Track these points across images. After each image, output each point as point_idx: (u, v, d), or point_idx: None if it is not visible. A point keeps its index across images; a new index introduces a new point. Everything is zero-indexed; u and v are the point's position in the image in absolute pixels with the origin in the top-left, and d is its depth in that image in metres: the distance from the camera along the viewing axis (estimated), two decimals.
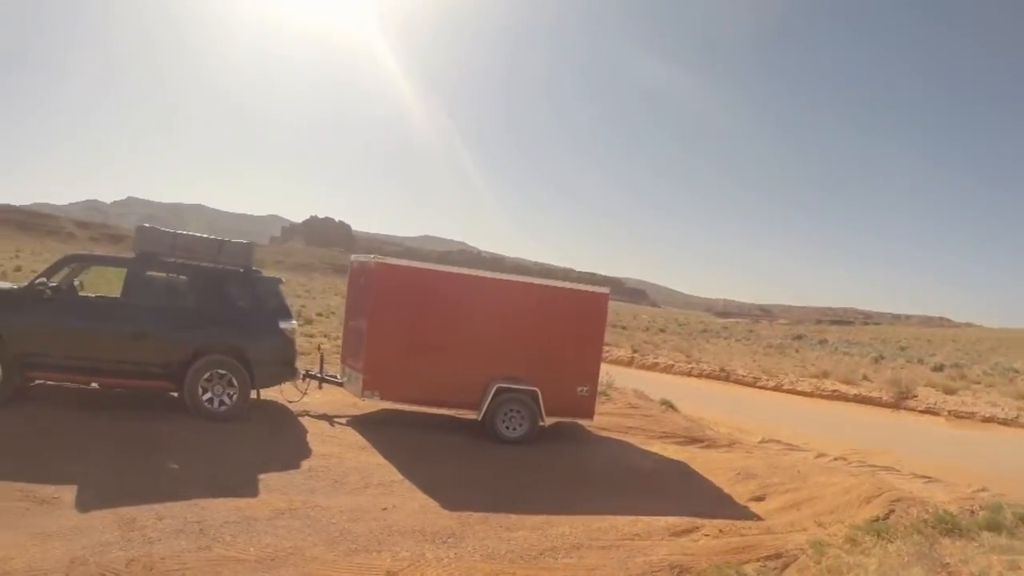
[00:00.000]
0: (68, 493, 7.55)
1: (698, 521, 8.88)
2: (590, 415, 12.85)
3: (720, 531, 8.68)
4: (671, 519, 8.85)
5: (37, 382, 10.78)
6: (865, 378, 30.90)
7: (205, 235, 11.78)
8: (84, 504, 7.35)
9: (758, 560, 7.87)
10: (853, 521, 9.36)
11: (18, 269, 40.07)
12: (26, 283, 10.62)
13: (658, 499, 9.80)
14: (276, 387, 11.97)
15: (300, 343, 15.98)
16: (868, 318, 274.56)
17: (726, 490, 10.89)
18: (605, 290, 13.27)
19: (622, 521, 8.60)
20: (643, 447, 13.17)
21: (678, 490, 10.69)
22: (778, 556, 8.03)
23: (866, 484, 11.14)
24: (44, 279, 10.39)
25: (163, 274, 11.25)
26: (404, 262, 12.52)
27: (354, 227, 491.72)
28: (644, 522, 8.65)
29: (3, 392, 9.96)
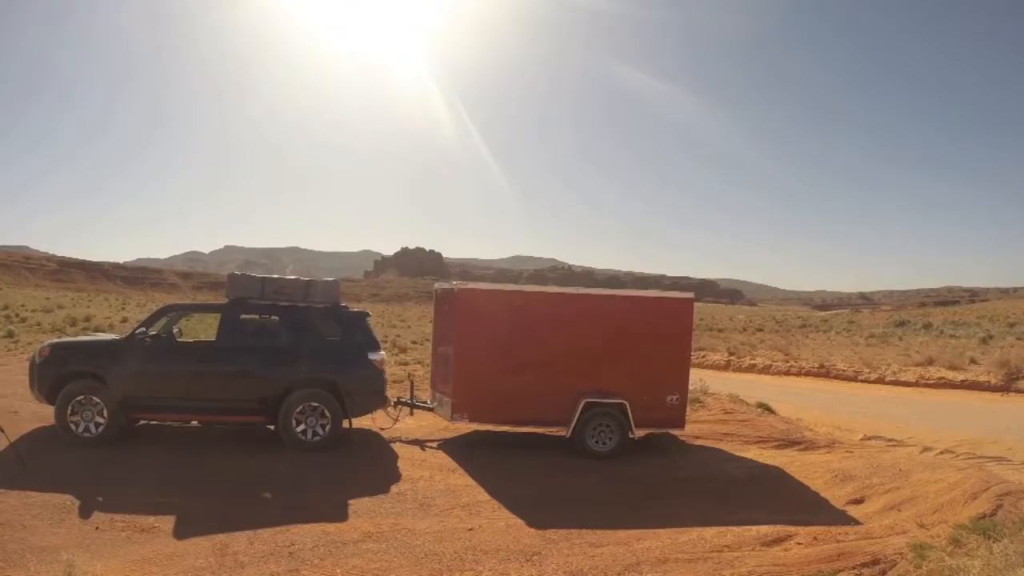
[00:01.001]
0: (167, 523, 7.97)
1: (791, 529, 8.60)
2: (681, 424, 12.67)
3: (814, 538, 8.38)
4: (762, 528, 8.60)
5: (142, 422, 11.57)
6: (973, 361, 29.29)
7: (294, 276, 12.26)
8: (181, 533, 7.73)
9: (853, 568, 7.58)
10: (957, 520, 8.96)
11: (124, 320, 41.71)
12: (128, 333, 11.46)
13: (751, 508, 9.57)
14: (369, 416, 12.28)
15: (393, 371, 16.23)
16: (974, 295, 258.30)
17: (823, 494, 10.49)
18: (689, 295, 13.10)
19: (710, 533, 8.42)
20: (737, 453, 12.85)
21: (772, 497, 10.36)
22: (875, 562, 7.73)
23: (972, 479, 10.62)
24: (144, 328, 11.27)
25: (256, 316, 11.85)
26: (485, 285, 12.73)
27: (445, 254, 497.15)
28: (733, 533, 8.45)
29: (110, 432, 10.74)
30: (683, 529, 8.55)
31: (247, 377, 11.18)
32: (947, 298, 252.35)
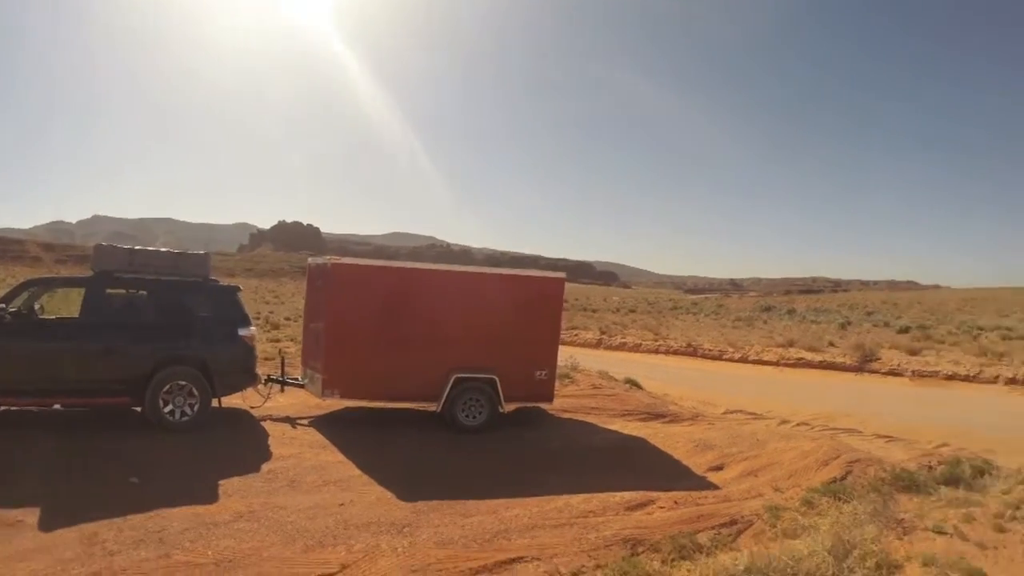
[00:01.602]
0: (32, 516, 7.63)
1: (653, 495, 9.05)
2: (550, 398, 13.04)
3: (675, 503, 8.84)
4: (626, 494, 9.01)
5: (1, 408, 10.88)
6: (831, 344, 31.21)
7: (164, 249, 11.85)
8: (47, 524, 7.45)
9: (713, 528, 8.06)
10: (810, 484, 9.56)
11: None
12: None
13: (615, 476, 9.94)
14: (239, 394, 12.11)
15: (266, 348, 16.04)
16: (837, 286, 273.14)
17: (684, 462, 11.06)
18: (560, 275, 13.44)
19: (576, 500, 8.76)
20: (604, 426, 13.34)
21: (636, 466, 10.84)
22: (733, 523, 8.24)
23: (824, 447, 11.38)
24: (2, 305, 10.53)
25: (123, 291, 11.40)
26: (359, 261, 12.65)
27: (323, 229, 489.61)
28: (598, 499, 8.81)
29: None
30: (550, 497, 8.86)
31: (112, 355, 10.68)
32: (812, 287, 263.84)
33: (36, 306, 11.26)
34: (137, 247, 11.66)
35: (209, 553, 6.84)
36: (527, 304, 12.75)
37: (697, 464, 10.92)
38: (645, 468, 10.71)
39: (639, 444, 12.13)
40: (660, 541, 7.56)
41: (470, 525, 7.86)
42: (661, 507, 8.71)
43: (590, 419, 13.87)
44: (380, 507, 8.30)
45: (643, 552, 7.42)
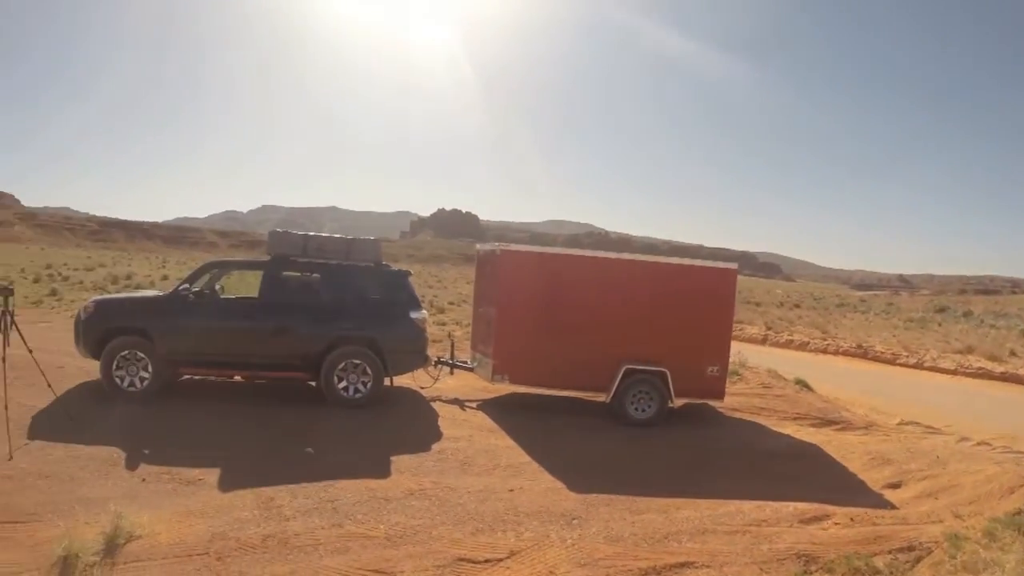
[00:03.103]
0: (212, 476, 8.08)
1: (828, 508, 8.50)
2: (720, 395, 12.58)
3: (851, 519, 8.28)
4: (800, 505, 8.52)
5: (185, 377, 11.73)
6: (1013, 354, 28.58)
7: (336, 235, 12.23)
8: (226, 485, 7.83)
9: (889, 552, 7.48)
10: (993, 513, 8.83)
11: (165, 278, 42.36)
12: (171, 290, 11.59)
13: (788, 484, 9.50)
14: (409, 374, 12.37)
15: (432, 331, 16.29)
16: (1016, 286, 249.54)
17: (860, 476, 10.39)
18: (733, 266, 12.95)
19: (749, 506, 8.37)
20: (775, 429, 12.79)
21: (809, 475, 10.28)
22: (911, 548, 7.61)
23: (1010, 473, 10.49)
24: (187, 285, 11.34)
25: (297, 273, 11.89)
26: (529, 247, 12.59)
27: (481, 216, 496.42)
28: (771, 508, 8.38)
29: (154, 387, 10.92)
30: (722, 501, 8.51)
31: (290, 333, 11.23)
32: (989, 287, 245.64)
33: (216, 286, 12.07)
34: (311, 232, 12.10)
35: (381, 527, 6.94)
36: (699, 295, 12.36)
37: (873, 479, 10.26)
38: (818, 478, 10.14)
39: (812, 451, 11.51)
40: (835, 561, 7.08)
41: (640, 523, 7.65)
42: (836, 523, 8.18)
43: (759, 420, 13.35)
44: (550, 496, 8.20)
45: (816, 571, 6.98)
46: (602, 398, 12.01)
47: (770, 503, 8.52)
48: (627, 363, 11.80)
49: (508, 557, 6.59)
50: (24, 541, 6.34)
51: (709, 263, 13.04)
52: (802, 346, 32.40)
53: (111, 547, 6.14)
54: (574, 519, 7.60)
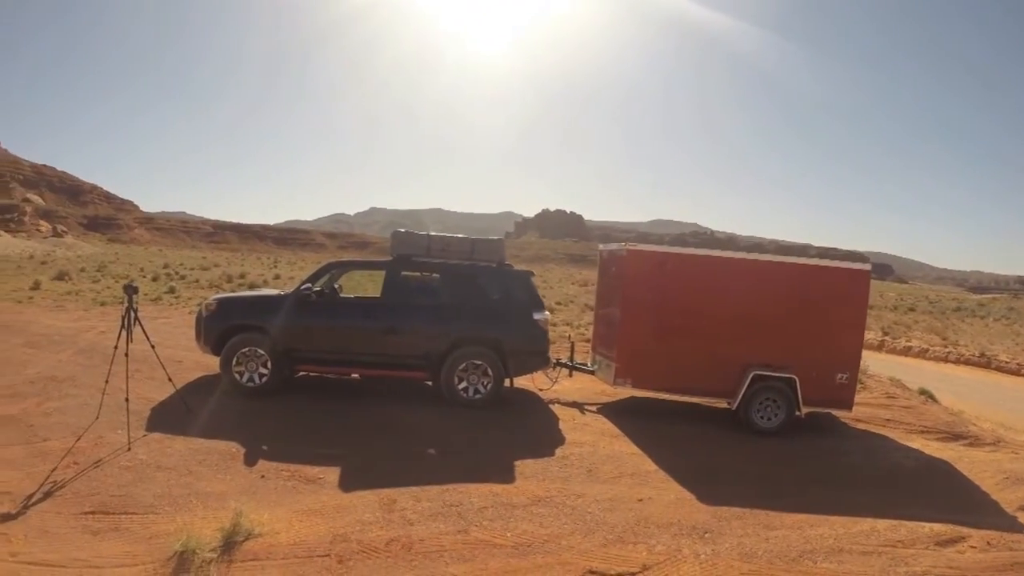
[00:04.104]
0: (332, 475, 7.98)
1: (964, 530, 7.92)
2: (848, 405, 11.83)
3: (988, 543, 7.67)
4: (935, 526, 7.96)
5: (303, 374, 11.83)
6: None
7: (459, 235, 12.13)
8: (347, 485, 7.72)
9: None
10: None
11: (277, 277, 43.85)
12: (292, 289, 11.69)
13: (920, 502, 8.89)
14: (527, 375, 12.15)
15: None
16: None
17: (993, 496, 9.66)
18: (866, 266, 12.13)
19: (883, 525, 7.88)
20: (902, 442, 12.04)
21: (941, 493, 9.60)
22: None
23: None
24: (308, 284, 11.44)
25: (419, 273, 11.86)
26: (655, 247, 12.10)
27: (585, 216, 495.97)
28: (907, 528, 7.86)
29: (272, 383, 11.04)
30: (855, 519, 8.01)
31: (411, 333, 11.19)
32: None
33: (336, 286, 12.24)
34: (433, 232, 12.02)
35: (508, 535, 6.72)
36: (829, 298, 11.70)
37: (1007, 500, 9.49)
38: (951, 497, 9.45)
39: (943, 468, 10.76)
40: None
41: (774, 539, 7.24)
42: (973, 546, 7.58)
43: (885, 432, 12.60)
44: (680, 507, 7.83)
45: None
46: (723, 404, 11.54)
47: (904, 522, 8.00)
48: (755, 368, 11.27)
49: (641, 572, 6.30)
50: (141, 533, 6.37)
51: (841, 263, 12.31)
52: (921, 353, 30.99)
53: (229, 544, 6.11)
54: (706, 533, 7.23)
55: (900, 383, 17.08)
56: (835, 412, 12.20)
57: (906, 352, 31.59)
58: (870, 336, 34.46)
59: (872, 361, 20.40)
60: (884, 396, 15.27)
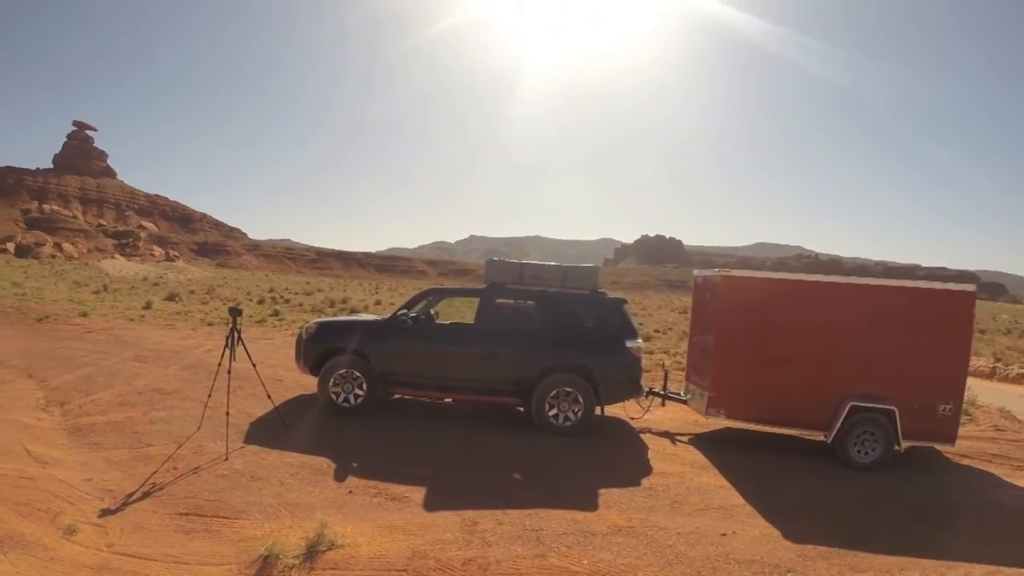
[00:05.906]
0: (417, 494, 8.18)
1: None
2: (951, 439, 11.22)
3: None
4: None
5: (397, 396, 12.12)
6: None
7: (551, 263, 12.25)
8: (431, 504, 7.90)
9: None
10: None
11: (377, 303, 44.89)
12: (390, 315, 12.03)
13: (1022, 547, 8.32)
14: (619, 404, 12.13)
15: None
16: None
17: None
18: (971, 287, 11.54)
19: (979, 571, 7.44)
20: (1007, 479, 11.28)
21: None
22: None
23: None
24: (405, 310, 11.83)
25: (512, 301, 12.04)
26: (750, 273, 11.90)
27: (685, 242, 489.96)
28: (1006, 575, 7.46)
29: (367, 404, 11.45)
30: (949, 563, 7.58)
31: (502, 359, 11.34)
32: None
33: (432, 312, 12.52)
34: (526, 261, 12.24)
35: (585, 562, 6.69)
36: (931, 323, 11.17)
37: None
38: None
39: None
40: None
41: None
42: None
43: (990, 468, 11.81)
44: (764, 544, 7.63)
45: None
46: (819, 437, 11.19)
47: (1004, 569, 7.52)
48: (852, 399, 10.88)
49: None
50: (229, 536, 6.74)
51: (944, 285, 11.77)
52: None
53: (311, 553, 6.35)
54: (789, 572, 7.02)
55: (1011, 415, 16.20)
56: (937, 446, 11.67)
57: (1020, 381, 29.98)
58: (979, 363, 32.78)
59: (981, 390, 19.56)
60: (992, 429, 14.55)
